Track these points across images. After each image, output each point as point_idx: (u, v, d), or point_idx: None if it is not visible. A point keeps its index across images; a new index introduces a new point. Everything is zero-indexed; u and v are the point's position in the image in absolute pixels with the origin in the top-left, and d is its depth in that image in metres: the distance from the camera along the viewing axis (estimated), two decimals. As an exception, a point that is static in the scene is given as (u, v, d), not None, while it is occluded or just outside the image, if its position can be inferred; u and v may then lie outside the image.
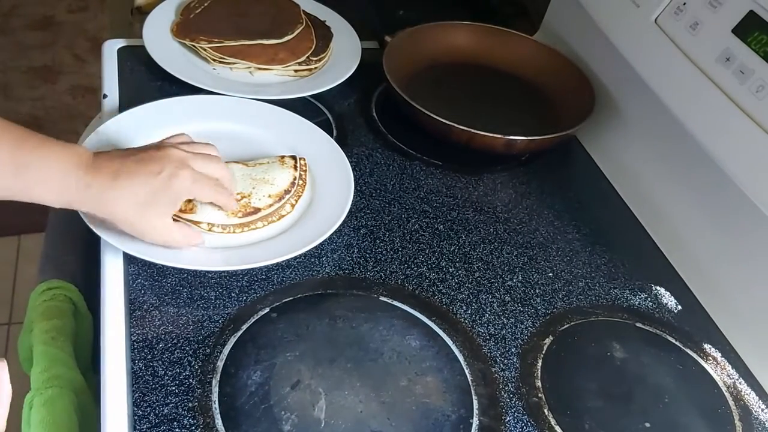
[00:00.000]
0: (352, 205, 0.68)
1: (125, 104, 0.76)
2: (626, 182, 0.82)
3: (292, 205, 0.67)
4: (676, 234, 0.75)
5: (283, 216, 0.66)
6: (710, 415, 0.60)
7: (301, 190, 0.69)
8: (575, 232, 0.76)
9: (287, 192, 0.67)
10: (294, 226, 0.66)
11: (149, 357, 0.55)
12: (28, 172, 0.54)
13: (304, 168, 0.70)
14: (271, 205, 0.66)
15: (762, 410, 0.61)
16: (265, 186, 0.66)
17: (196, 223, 0.62)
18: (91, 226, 0.60)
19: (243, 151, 0.72)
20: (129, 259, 0.61)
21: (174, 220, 0.62)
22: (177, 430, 0.50)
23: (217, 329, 0.58)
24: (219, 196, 0.61)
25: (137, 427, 0.50)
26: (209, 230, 0.63)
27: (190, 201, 0.63)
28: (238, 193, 0.65)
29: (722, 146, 0.66)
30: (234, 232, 0.64)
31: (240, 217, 0.64)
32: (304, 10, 0.93)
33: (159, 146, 0.59)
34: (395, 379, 0.57)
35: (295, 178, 0.68)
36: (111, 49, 0.86)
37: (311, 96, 0.84)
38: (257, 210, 0.65)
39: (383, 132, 0.84)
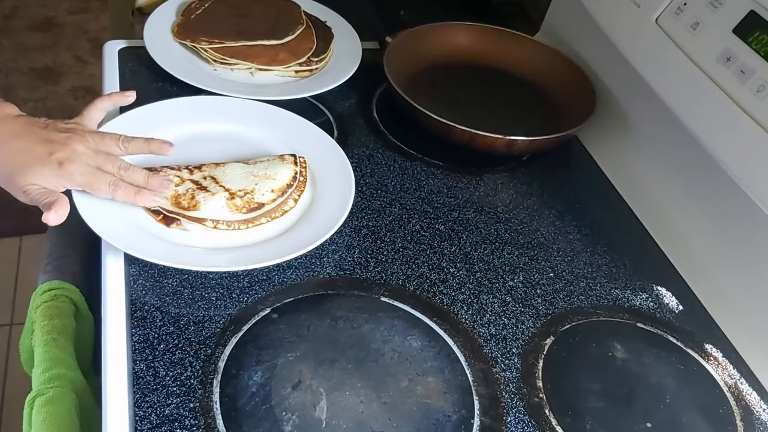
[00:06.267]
0: (353, 205, 0.68)
1: (126, 105, 0.76)
2: (627, 182, 0.82)
3: (295, 200, 0.68)
4: (677, 234, 0.75)
5: (286, 212, 0.67)
6: (712, 416, 0.60)
7: (302, 185, 0.69)
8: (576, 232, 0.75)
9: (289, 186, 0.67)
10: (295, 226, 0.66)
11: (150, 357, 0.55)
12: None
13: (304, 165, 0.70)
14: (274, 200, 0.66)
15: (764, 410, 0.61)
16: (267, 181, 0.67)
17: (200, 220, 0.63)
18: (92, 227, 0.60)
19: (244, 151, 0.72)
20: (130, 260, 0.61)
21: (173, 217, 0.63)
22: (178, 430, 0.50)
23: (218, 330, 0.58)
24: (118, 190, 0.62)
25: (138, 428, 0.50)
26: (214, 227, 0.63)
27: (193, 197, 0.63)
28: (240, 190, 0.65)
29: (723, 146, 0.66)
30: (239, 228, 0.64)
31: (244, 213, 0.64)
32: (304, 11, 0.93)
33: (68, 129, 0.63)
34: (396, 379, 0.57)
35: (296, 173, 0.69)
36: (112, 50, 0.86)
37: (312, 96, 0.84)
38: (261, 205, 0.65)
39: (384, 132, 0.84)
